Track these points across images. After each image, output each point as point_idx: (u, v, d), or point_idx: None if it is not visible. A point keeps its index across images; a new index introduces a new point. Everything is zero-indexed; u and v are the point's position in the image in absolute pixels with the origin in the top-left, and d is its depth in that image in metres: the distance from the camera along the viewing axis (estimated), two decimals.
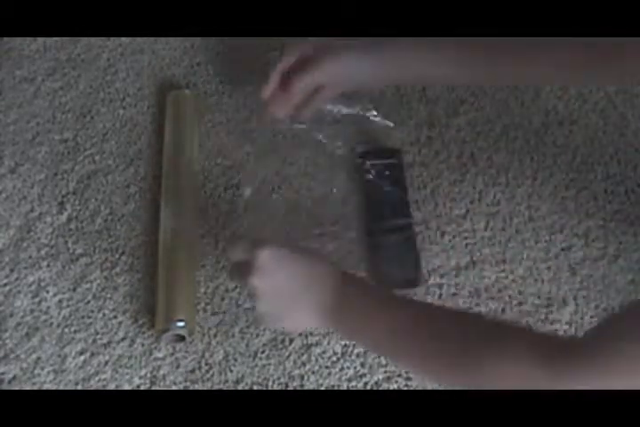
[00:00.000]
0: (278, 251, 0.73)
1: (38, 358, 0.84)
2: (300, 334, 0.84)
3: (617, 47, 0.77)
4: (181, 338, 0.83)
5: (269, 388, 0.81)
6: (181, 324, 0.82)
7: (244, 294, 0.85)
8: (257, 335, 0.84)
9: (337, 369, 0.82)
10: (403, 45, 0.84)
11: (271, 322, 0.78)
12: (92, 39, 1.06)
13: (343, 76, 0.85)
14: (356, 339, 0.78)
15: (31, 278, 0.88)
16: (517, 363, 0.63)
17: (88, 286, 0.88)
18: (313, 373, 0.82)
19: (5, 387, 0.82)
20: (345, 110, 0.96)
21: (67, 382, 0.82)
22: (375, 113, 0.97)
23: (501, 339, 0.67)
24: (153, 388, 0.82)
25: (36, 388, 0.82)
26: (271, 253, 0.73)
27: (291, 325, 0.78)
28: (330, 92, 0.88)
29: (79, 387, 0.82)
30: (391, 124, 0.97)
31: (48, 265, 0.89)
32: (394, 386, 0.81)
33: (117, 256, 0.90)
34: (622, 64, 0.78)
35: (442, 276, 0.88)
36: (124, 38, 1.06)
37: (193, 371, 0.83)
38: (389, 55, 0.84)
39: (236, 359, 0.83)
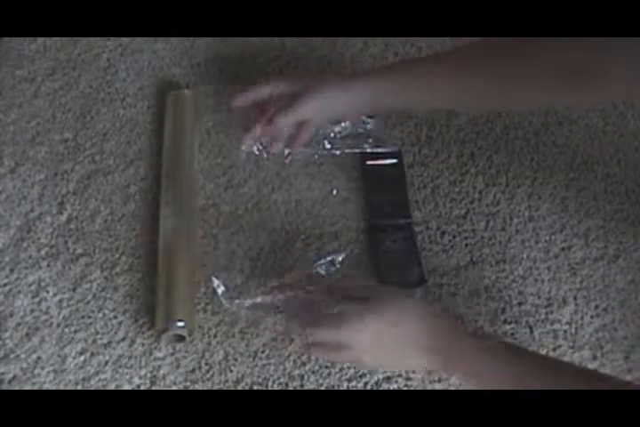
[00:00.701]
0: (361, 304, 0.76)
1: (38, 358, 0.84)
2: (300, 335, 0.84)
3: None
4: (181, 338, 0.83)
5: (269, 388, 0.81)
6: (181, 324, 0.82)
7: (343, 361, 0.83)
8: (257, 335, 0.84)
9: (337, 369, 0.82)
10: (373, 79, 0.88)
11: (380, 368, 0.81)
12: (92, 39, 1.06)
13: (323, 111, 0.91)
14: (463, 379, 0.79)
15: (31, 278, 0.88)
16: None
17: (88, 285, 0.88)
18: (313, 373, 0.82)
19: (5, 387, 0.82)
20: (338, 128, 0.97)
21: (67, 382, 0.82)
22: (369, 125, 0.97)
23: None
24: (153, 388, 0.82)
25: (36, 388, 0.82)
26: (357, 308, 0.76)
27: (400, 367, 0.81)
28: (314, 124, 0.93)
29: (79, 387, 0.82)
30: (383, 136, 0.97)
31: (48, 265, 0.89)
32: (394, 386, 0.81)
33: (117, 256, 0.90)
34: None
35: (442, 276, 0.88)
36: (124, 38, 1.06)
37: (193, 371, 0.83)
38: (361, 90, 0.88)
39: (235, 359, 0.83)
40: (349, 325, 0.76)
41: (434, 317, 0.78)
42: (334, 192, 0.94)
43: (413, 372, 0.81)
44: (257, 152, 0.96)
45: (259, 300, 0.86)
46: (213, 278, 0.86)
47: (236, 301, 0.85)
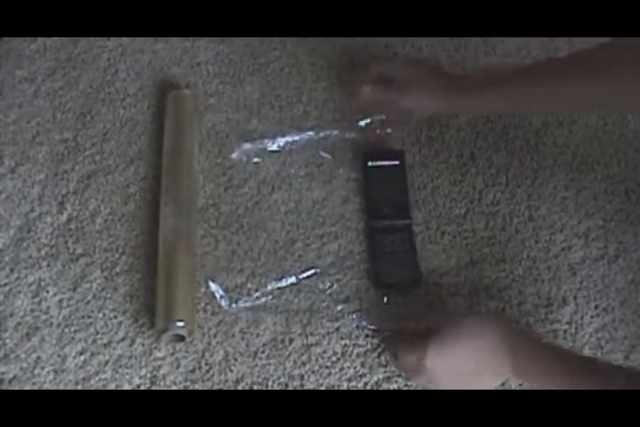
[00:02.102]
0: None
1: (38, 358, 0.84)
2: (300, 334, 0.84)
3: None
4: (181, 338, 0.83)
5: (269, 388, 0.82)
6: (181, 324, 0.82)
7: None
8: (257, 335, 0.84)
9: (337, 369, 0.82)
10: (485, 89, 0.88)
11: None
12: (92, 39, 1.06)
13: (426, 109, 0.93)
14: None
15: (31, 278, 0.88)
16: None
17: (88, 285, 0.88)
18: (313, 373, 0.82)
19: (5, 387, 0.82)
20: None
21: (67, 382, 0.82)
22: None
23: None
24: (153, 388, 0.82)
25: (36, 388, 0.82)
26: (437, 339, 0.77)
27: (482, 386, 0.79)
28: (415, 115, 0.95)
29: (79, 387, 0.82)
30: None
31: (48, 265, 0.89)
32: (394, 386, 0.81)
33: (117, 256, 0.90)
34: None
35: (441, 276, 0.88)
36: (124, 38, 1.06)
37: (193, 371, 0.83)
38: (475, 100, 0.89)
39: (236, 359, 0.83)
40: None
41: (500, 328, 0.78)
42: (334, 192, 0.94)
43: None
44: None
45: (258, 302, 0.86)
46: (210, 283, 0.86)
47: (234, 305, 0.85)
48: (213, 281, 0.87)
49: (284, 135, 0.97)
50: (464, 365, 0.76)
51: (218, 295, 0.86)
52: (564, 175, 0.94)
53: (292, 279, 0.87)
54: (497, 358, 0.75)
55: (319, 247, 0.90)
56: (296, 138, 0.97)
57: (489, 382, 0.78)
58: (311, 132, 0.97)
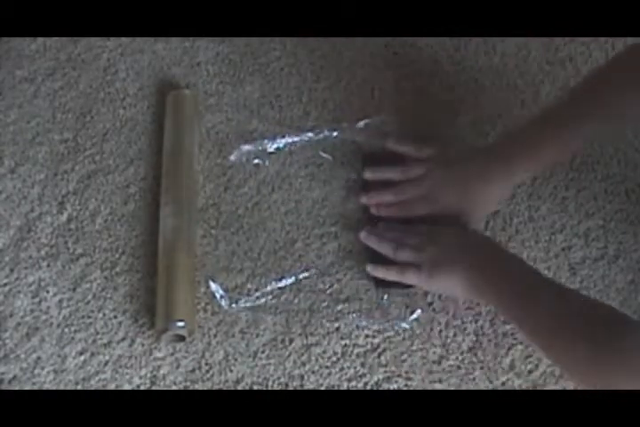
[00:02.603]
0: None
1: (38, 358, 0.84)
2: (300, 334, 0.84)
3: None
4: (181, 338, 0.83)
5: (269, 388, 0.81)
6: (181, 324, 0.82)
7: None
8: (257, 335, 0.84)
9: (337, 369, 0.82)
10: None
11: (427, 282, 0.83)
12: (92, 39, 1.06)
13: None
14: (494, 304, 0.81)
15: (31, 278, 0.88)
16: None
17: (88, 285, 0.88)
18: (313, 373, 0.82)
19: (5, 387, 0.82)
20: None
21: (67, 382, 0.82)
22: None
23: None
24: (153, 388, 0.82)
25: (36, 388, 0.82)
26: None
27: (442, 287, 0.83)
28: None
29: (79, 387, 0.82)
30: None
31: (48, 265, 0.89)
32: (394, 386, 0.81)
33: (117, 256, 0.90)
34: None
35: None
36: (124, 38, 1.06)
37: (193, 371, 0.83)
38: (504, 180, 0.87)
39: (236, 359, 0.83)
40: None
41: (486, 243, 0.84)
42: (334, 192, 0.94)
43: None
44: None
45: (258, 302, 0.86)
46: (210, 282, 0.86)
47: (234, 305, 0.85)
48: (214, 281, 0.87)
49: (283, 136, 0.97)
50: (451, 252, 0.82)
51: (218, 295, 0.86)
52: (564, 175, 0.94)
53: (292, 279, 0.87)
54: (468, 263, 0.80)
55: (319, 247, 0.90)
56: (296, 138, 0.97)
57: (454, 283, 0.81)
58: (311, 133, 0.97)
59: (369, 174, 0.93)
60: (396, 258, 0.85)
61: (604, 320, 0.71)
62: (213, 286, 0.86)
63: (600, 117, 0.84)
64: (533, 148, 0.85)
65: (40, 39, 1.06)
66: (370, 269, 0.86)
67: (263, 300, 0.86)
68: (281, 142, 0.96)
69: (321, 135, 0.97)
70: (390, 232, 0.87)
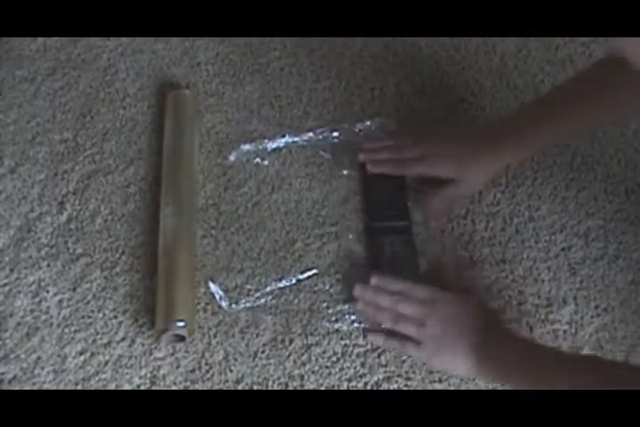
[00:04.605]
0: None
1: (38, 358, 0.84)
2: (300, 334, 0.84)
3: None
4: (181, 338, 0.83)
5: (269, 388, 0.81)
6: (181, 324, 0.82)
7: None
8: (257, 335, 0.84)
9: (337, 369, 0.82)
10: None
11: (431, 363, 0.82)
12: (92, 39, 1.06)
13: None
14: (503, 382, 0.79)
15: (31, 278, 0.88)
16: None
17: (88, 285, 0.88)
18: (313, 373, 0.82)
19: (5, 387, 0.82)
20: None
21: (67, 382, 0.82)
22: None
23: None
24: (153, 388, 0.82)
25: (36, 388, 0.82)
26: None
27: (446, 366, 0.81)
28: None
29: (79, 387, 0.82)
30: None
31: (48, 265, 0.89)
32: (394, 386, 0.81)
33: (117, 256, 0.90)
34: None
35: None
36: (124, 38, 1.06)
37: (193, 371, 0.83)
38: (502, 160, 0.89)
39: (236, 359, 0.83)
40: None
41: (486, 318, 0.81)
42: (334, 192, 0.94)
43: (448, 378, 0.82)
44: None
45: (258, 302, 0.86)
46: (210, 283, 0.86)
47: (234, 305, 0.85)
48: (213, 282, 0.87)
49: (283, 136, 0.97)
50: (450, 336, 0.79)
51: (217, 296, 0.86)
52: (564, 175, 0.94)
53: (292, 279, 0.87)
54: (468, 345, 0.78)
55: (319, 247, 0.90)
56: (296, 138, 0.97)
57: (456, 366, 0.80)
58: (311, 133, 0.97)
59: (363, 157, 0.93)
60: (396, 329, 0.82)
61: None
62: (213, 286, 0.86)
63: (587, 105, 0.85)
64: (520, 132, 0.87)
65: (40, 39, 1.07)
66: (370, 337, 0.84)
67: (263, 300, 0.86)
68: (281, 142, 0.97)
69: (321, 135, 0.97)
70: (385, 296, 0.83)
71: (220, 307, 0.86)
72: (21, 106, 1.01)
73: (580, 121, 0.87)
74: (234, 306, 0.86)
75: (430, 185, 0.90)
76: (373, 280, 0.85)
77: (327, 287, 0.87)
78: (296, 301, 0.86)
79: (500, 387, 0.80)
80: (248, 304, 0.86)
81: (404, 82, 1.02)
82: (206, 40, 1.06)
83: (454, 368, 0.80)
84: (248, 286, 0.87)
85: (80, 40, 1.06)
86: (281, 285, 0.87)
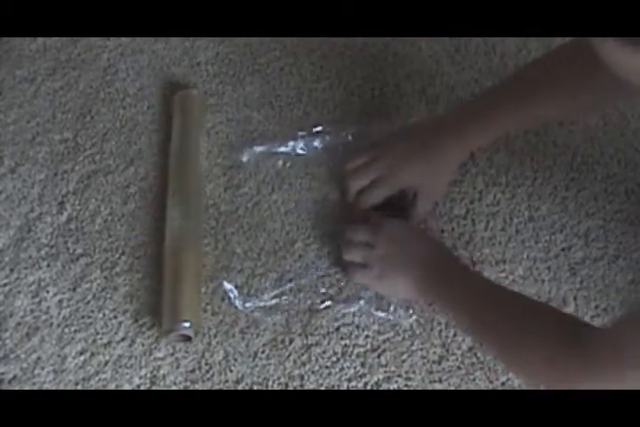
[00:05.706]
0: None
1: (38, 358, 0.84)
2: (300, 334, 0.84)
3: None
4: (187, 338, 0.83)
5: (269, 388, 0.82)
6: (187, 324, 0.82)
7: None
8: (257, 335, 0.84)
9: (337, 369, 0.82)
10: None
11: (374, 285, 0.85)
12: (92, 39, 1.06)
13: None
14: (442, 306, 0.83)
15: (31, 278, 0.88)
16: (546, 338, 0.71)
17: (88, 285, 0.88)
18: (313, 373, 0.82)
19: (5, 387, 0.82)
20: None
21: (67, 382, 0.82)
22: None
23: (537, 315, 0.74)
24: (153, 388, 0.82)
25: (36, 388, 0.82)
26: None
27: (390, 289, 0.85)
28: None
29: (79, 387, 0.82)
30: None
31: (48, 265, 0.89)
32: (394, 386, 0.81)
33: (117, 256, 0.90)
34: None
35: None
36: (124, 38, 1.06)
37: (193, 371, 0.83)
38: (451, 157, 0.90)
39: (236, 359, 0.83)
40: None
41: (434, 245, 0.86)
42: (334, 192, 0.94)
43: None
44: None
45: (272, 302, 0.86)
46: (225, 283, 0.86)
47: (247, 304, 0.85)
48: (229, 282, 0.86)
49: (284, 136, 0.97)
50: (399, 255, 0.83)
51: (232, 295, 0.86)
52: (564, 175, 0.94)
53: (292, 280, 0.87)
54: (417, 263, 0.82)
55: (319, 247, 0.90)
56: (297, 139, 0.97)
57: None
58: (311, 134, 0.97)
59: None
60: (347, 259, 0.86)
61: (561, 324, 0.72)
62: (228, 286, 0.86)
63: (548, 91, 0.84)
64: (483, 116, 0.87)
65: (40, 39, 1.07)
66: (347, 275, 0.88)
67: (263, 300, 0.86)
68: (282, 143, 0.96)
69: (321, 136, 0.96)
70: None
71: (220, 307, 0.86)
72: (21, 106, 1.01)
73: (543, 106, 0.86)
74: (248, 304, 0.85)
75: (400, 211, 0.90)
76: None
77: (327, 287, 0.87)
78: (296, 301, 0.86)
79: (499, 387, 0.80)
80: (248, 304, 0.86)
81: (404, 82, 1.02)
82: (206, 40, 1.06)
83: (397, 289, 0.83)
84: (248, 286, 0.87)
85: (80, 40, 1.06)
86: (281, 285, 0.87)
